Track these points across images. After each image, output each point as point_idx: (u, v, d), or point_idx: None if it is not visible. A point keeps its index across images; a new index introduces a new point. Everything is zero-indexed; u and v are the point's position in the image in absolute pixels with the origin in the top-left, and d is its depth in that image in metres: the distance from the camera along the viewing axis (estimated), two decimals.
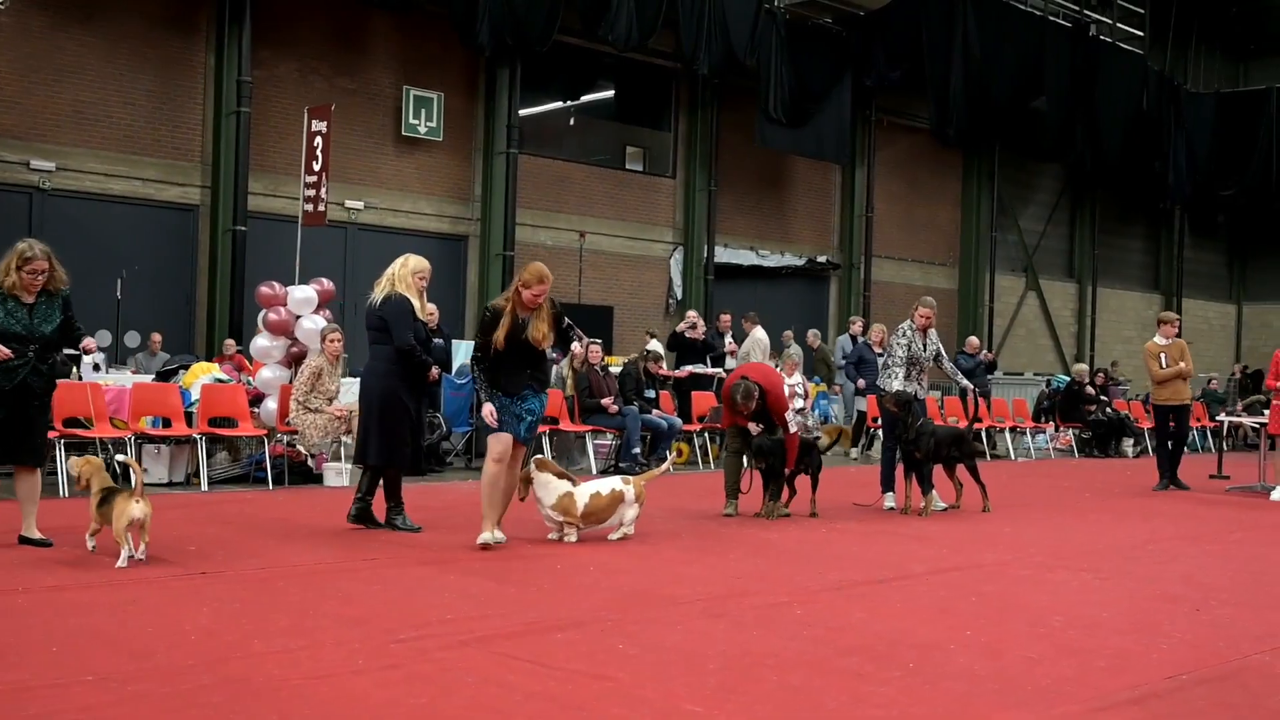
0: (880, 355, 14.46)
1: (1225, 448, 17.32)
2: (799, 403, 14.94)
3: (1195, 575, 7.87)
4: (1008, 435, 18.58)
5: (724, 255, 22.04)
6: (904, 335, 10.78)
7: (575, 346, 8.31)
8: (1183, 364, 13.54)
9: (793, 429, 9.91)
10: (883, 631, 5.81)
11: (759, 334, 16.41)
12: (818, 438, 10.91)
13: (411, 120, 18.40)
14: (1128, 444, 19.68)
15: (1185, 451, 14.83)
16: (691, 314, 17.03)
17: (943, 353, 10.96)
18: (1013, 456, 18.43)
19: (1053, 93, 24.94)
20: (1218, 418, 18.09)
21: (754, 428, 9.93)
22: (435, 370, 9.06)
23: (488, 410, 7.78)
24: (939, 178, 25.80)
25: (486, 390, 7.83)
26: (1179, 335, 13.98)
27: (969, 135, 24.25)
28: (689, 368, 15.81)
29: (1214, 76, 30.93)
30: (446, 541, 8.13)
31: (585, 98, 22.06)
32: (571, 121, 22.26)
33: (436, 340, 11.15)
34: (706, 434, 14.93)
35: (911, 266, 25.32)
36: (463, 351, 13.41)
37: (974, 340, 19.58)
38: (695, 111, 21.70)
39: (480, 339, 7.82)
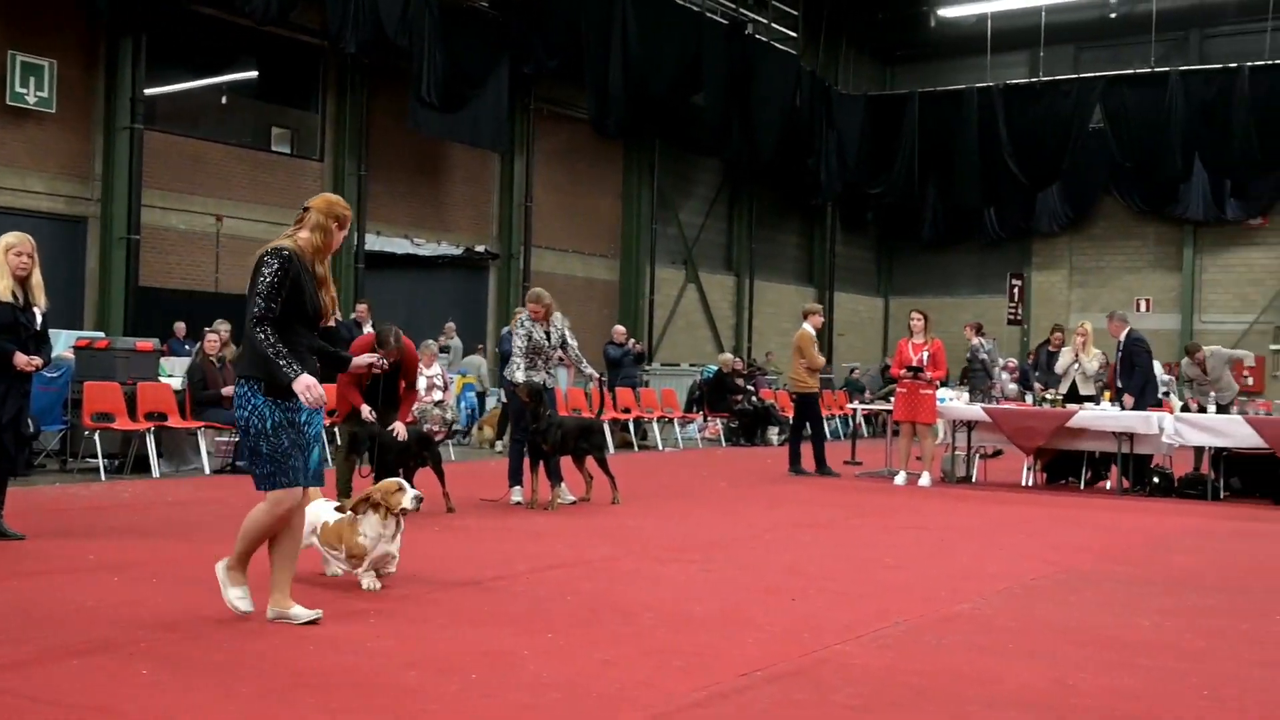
0: None
1: (862, 435, 18.02)
2: (437, 394, 14.49)
3: (802, 564, 7.89)
4: (655, 426, 18.72)
5: (376, 243, 21.28)
6: (522, 326, 10.59)
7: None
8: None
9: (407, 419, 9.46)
10: (456, 640, 5.40)
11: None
12: (431, 429, 10.47)
13: (18, 89, 16.73)
14: (773, 432, 20.25)
15: (827, 439, 15.35)
16: None
17: (569, 340, 10.75)
18: (660, 447, 18.59)
19: (710, 88, 25.45)
20: (850, 405, 18.89)
21: (367, 411, 9.39)
22: (23, 359, 7.63)
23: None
24: (600, 169, 25.88)
25: None
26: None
27: (629, 128, 24.41)
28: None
29: (863, 79, 32.49)
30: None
31: (226, 74, 20.77)
32: (224, 100, 20.92)
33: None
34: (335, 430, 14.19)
35: (573, 258, 25.30)
36: (61, 342, 12.19)
37: (620, 329, 19.64)
38: (344, 92, 20.84)
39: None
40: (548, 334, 10.58)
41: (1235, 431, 12.35)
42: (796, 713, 4.46)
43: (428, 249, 22.40)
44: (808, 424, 14.69)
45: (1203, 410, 12.92)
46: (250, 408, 5.50)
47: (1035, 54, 29.26)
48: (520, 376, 10.37)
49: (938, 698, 4.69)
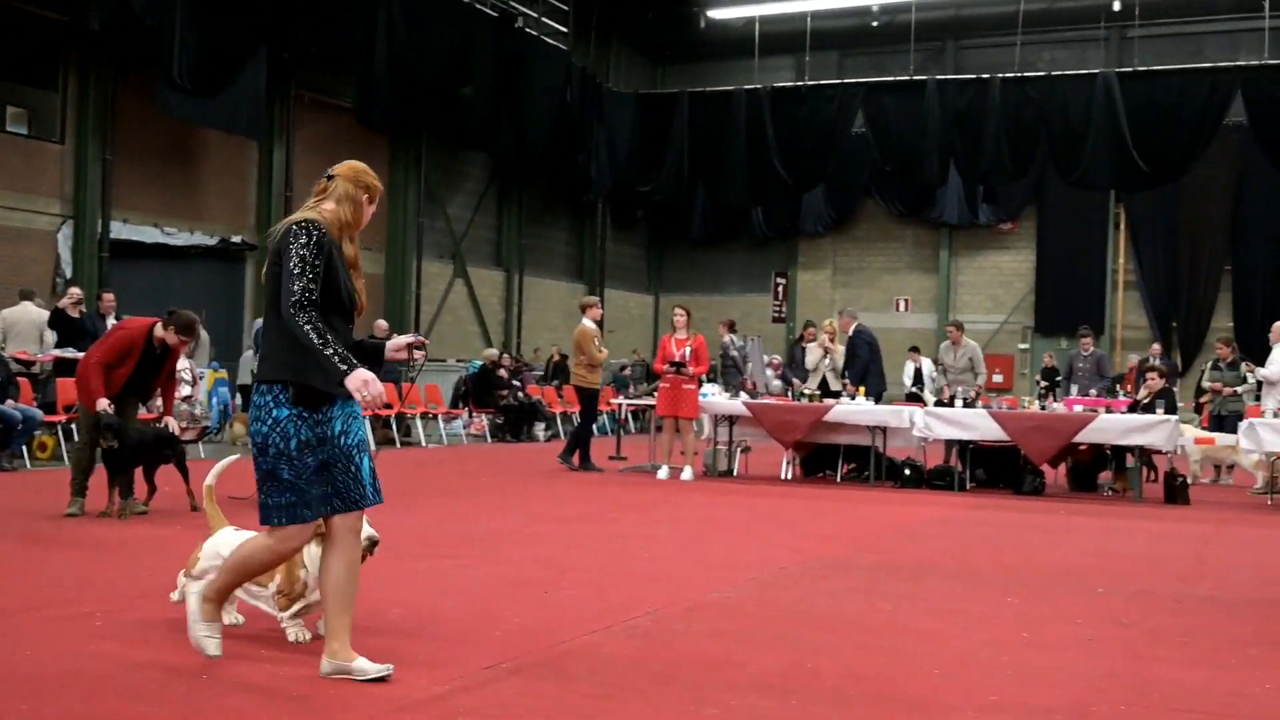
0: None
1: (629, 430, 18.22)
2: (185, 389, 13.94)
3: (558, 558, 7.91)
4: (419, 422, 18.49)
5: (124, 231, 20.30)
6: None
7: None
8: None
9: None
10: (161, 648, 5.17)
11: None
12: (180, 426, 10.04)
13: None
14: (539, 429, 20.26)
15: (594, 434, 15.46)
16: (75, 290, 15.38)
17: None
18: (424, 444, 18.36)
19: (480, 81, 25.27)
20: (614, 401, 19.10)
21: (105, 404, 8.92)
22: None
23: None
24: (365, 160, 24.58)
25: None
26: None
27: (395, 119, 24.01)
28: (57, 352, 14.12)
29: (634, 77, 32.85)
30: None
31: None
32: None
33: None
34: (74, 425, 13.50)
35: None
36: None
37: (382, 324, 19.33)
38: (88, 72, 19.79)
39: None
40: None
41: (980, 425, 13.01)
42: (539, 703, 4.46)
43: (180, 238, 21.51)
44: (584, 419, 14.78)
45: (951, 402, 13.53)
46: (270, 421, 4.55)
47: (801, 59, 30.16)
48: None
49: (680, 684, 4.76)
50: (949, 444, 13.60)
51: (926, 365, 19.70)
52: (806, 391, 14.13)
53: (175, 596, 5.62)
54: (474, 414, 19.84)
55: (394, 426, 17.73)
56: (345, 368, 4.41)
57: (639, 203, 32.39)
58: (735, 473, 14.46)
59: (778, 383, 18.84)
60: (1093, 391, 14.42)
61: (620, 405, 17.49)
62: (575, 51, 29.06)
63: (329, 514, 4.63)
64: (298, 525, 4.63)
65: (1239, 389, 15.21)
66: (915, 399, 16.41)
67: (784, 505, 11.63)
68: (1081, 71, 27.49)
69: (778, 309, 31.85)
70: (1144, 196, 28.50)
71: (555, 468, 14.53)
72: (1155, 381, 13.41)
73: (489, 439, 19.71)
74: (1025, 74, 27.75)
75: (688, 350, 13.61)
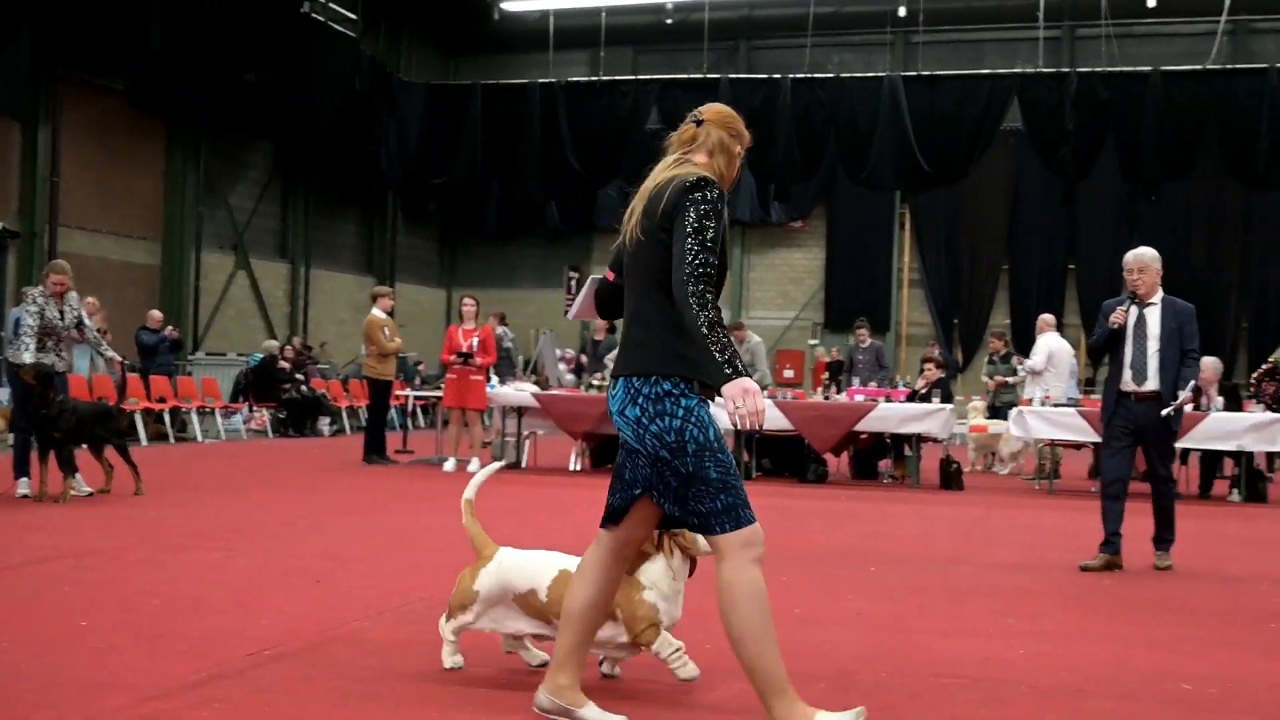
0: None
1: (419, 424, 18.03)
2: None
3: (334, 548, 7.77)
4: (195, 416, 17.88)
5: None
6: (34, 303, 9.82)
7: None
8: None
9: None
10: None
11: None
12: None
13: None
14: (324, 423, 19.86)
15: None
16: None
17: (86, 321, 10.08)
18: (201, 439, 17.77)
19: (264, 67, 24.60)
20: (403, 393, 18.87)
21: None
22: None
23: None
24: (140, 146, 24.36)
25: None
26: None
27: (173, 104, 23.14)
28: None
29: (426, 67, 32.46)
30: None
31: None
32: None
33: None
34: None
35: (107, 239, 23.69)
36: None
37: (156, 314, 18.63)
38: None
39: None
40: (62, 313, 9.87)
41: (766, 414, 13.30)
42: (301, 688, 4.37)
43: None
44: (374, 412, 14.56)
45: None
46: (682, 412, 3.73)
47: (596, 54, 30.34)
48: (27, 358, 9.60)
49: None
50: (736, 434, 13.87)
51: None
52: (596, 383, 14.22)
53: (447, 658, 4.63)
54: (254, 408, 19.29)
55: (167, 421, 17.10)
56: (731, 370, 3.58)
57: (431, 195, 32.04)
58: (524, 464, 14.45)
59: (570, 376, 18.92)
60: (873, 382, 14.92)
61: (409, 398, 17.27)
62: (365, 39, 28.58)
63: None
64: (751, 527, 3.81)
65: (1010, 380, 15.98)
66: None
67: (571, 496, 11.68)
68: (869, 74, 28.44)
69: (570, 303, 32.00)
70: (928, 197, 29.63)
71: (340, 462, 14.28)
72: (932, 373, 13.96)
73: (270, 434, 19.20)
74: (815, 75, 28.54)
75: (475, 341, 13.54)
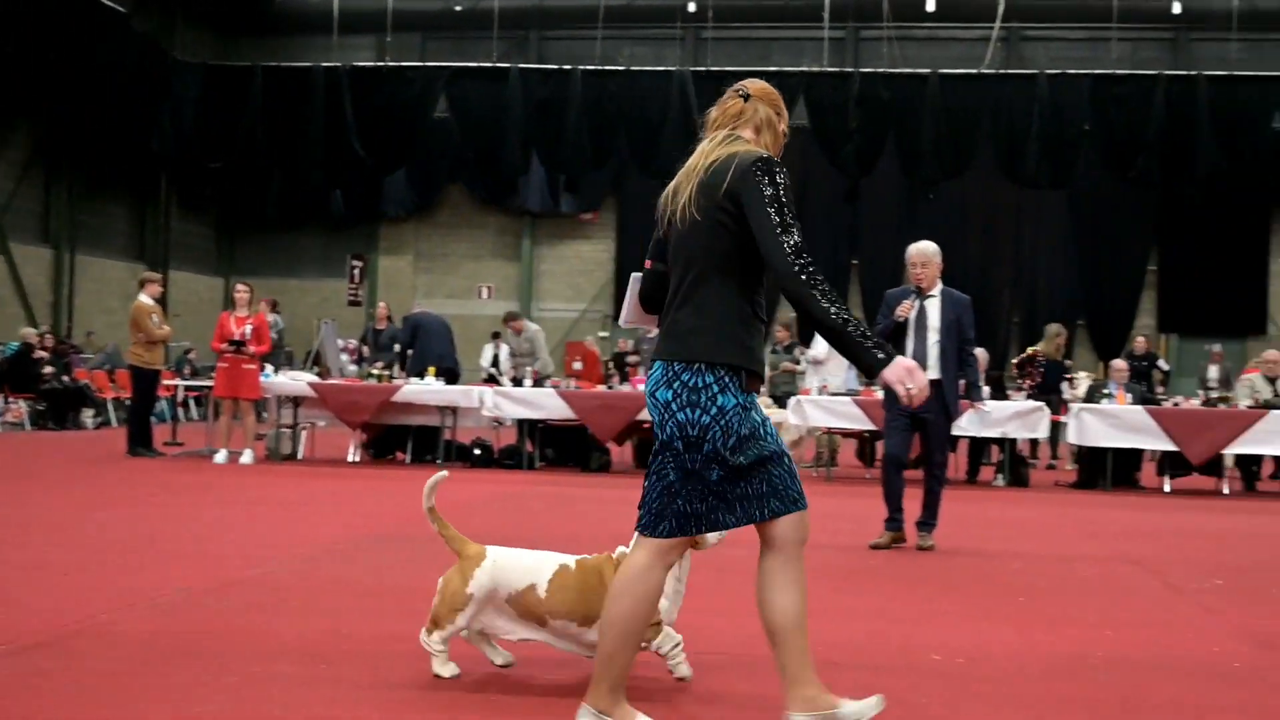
0: None
1: (191, 416, 17.44)
2: None
3: (89, 541, 7.48)
4: None
5: None
6: None
7: None
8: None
9: None
10: None
11: None
12: None
13: None
14: (88, 415, 18.99)
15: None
16: None
17: None
18: None
19: (23, 42, 23.35)
20: (173, 383, 18.27)
21: None
22: None
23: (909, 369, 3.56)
24: None
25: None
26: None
27: None
28: None
29: (203, 48, 31.33)
30: None
31: None
32: None
33: None
34: None
35: None
36: None
37: None
38: None
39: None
40: None
41: (548, 404, 13.34)
42: (39, 682, 4.18)
43: None
44: (140, 401, 14.00)
45: (520, 383, 13.81)
46: (714, 411, 3.57)
47: (382, 39, 29.87)
48: None
49: (202, 656, 4.60)
50: (520, 424, 13.86)
51: (505, 350, 20.00)
52: (375, 372, 13.99)
53: (442, 669, 4.39)
54: (10, 399, 18.30)
55: None
56: (884, 355, 3.47)
57: (209, 180, 31.00)
58: (300, 455, 14.13)
59: (353, 367, 18.55)
60: None
61: (179, 388, 16.68)
62: (136, 17, 27.42)
63: (764, 519, 3.67)
64: (804, 509, 3.71)
65: (798, 368, 16.36)
66: (492, 381, 16.61)
67: (348, 486, 11.47)
68: (659, 68, 28.78)
69: (353, 293, 31.41)
70: None
71: (102, 455, 13.68)
72: None
73: (29, 426, 18.25)
74: (606, 68, 28.73)
75: (249, 329, 13.16)
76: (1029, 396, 14.29)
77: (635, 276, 4.03)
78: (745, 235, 3.54)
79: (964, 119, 27.41)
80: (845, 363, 15.12)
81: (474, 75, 29.13)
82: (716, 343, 3.57)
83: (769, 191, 3.50)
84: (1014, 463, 13.57)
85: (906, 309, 8.05)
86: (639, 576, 3.65)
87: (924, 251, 8.14)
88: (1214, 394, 14.25)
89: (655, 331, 3.91)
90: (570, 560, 4.30)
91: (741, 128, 3.81)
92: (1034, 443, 16.83)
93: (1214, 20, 28.95)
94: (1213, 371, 17.01)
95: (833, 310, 3.45)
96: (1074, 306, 29.84)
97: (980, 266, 30.46)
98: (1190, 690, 4.43)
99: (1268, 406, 13.06)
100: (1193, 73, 27.66)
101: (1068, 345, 18.23)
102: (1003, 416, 13.13)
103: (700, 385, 3.55)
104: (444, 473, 4.80)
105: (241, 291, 13.50)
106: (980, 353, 14.58)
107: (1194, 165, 27.27)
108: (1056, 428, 15.01)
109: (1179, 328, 29.78)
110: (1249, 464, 13.93)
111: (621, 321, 4.30)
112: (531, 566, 4.29)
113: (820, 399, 13.54)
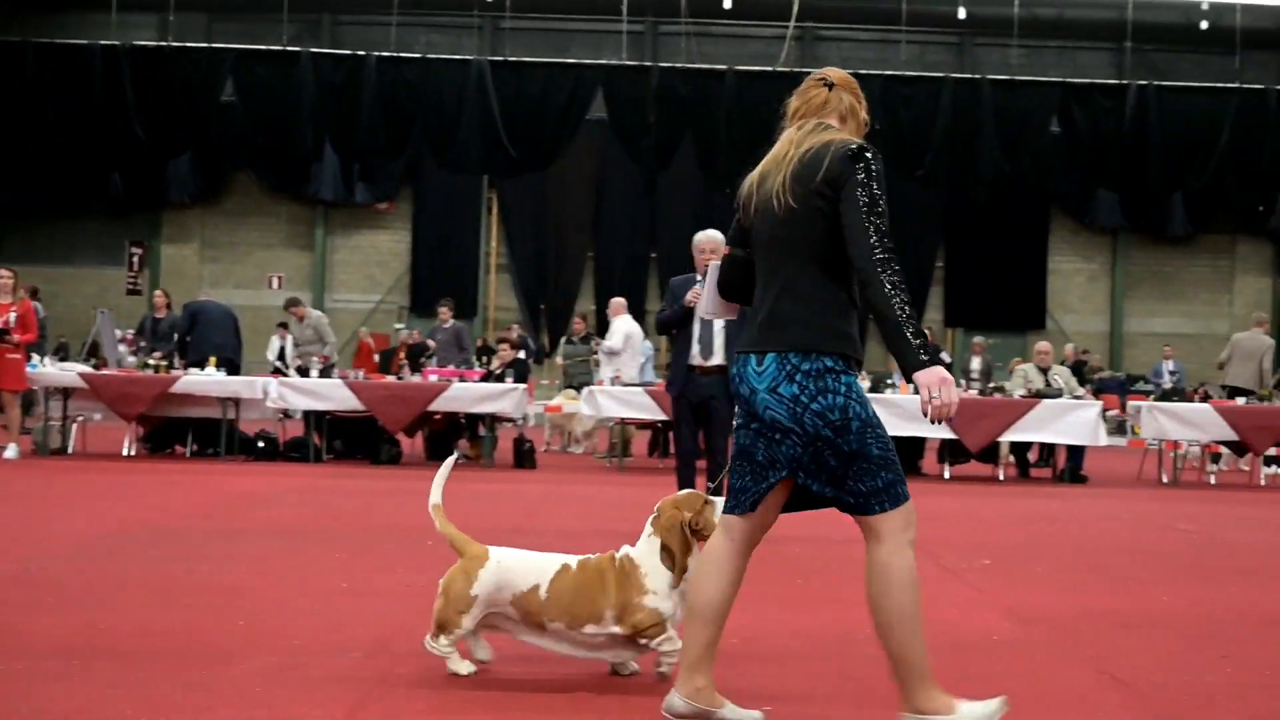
0: None
1: None
2: None
3: None
4: None
5: None
6: None
7: None
8: None
9: None
10: None
11: None
12: None
13: None
14: None
15: None
16: None
17: None
18: None
19: None
20: None
21: None
22: None
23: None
24: None
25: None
26: None
27: None
28: None
29: None
30: None
31: None
32: None
33: None
34: None
35: None
36: None
37: None
38: None
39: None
40: None
41: (335, 394, 13.10)
42: None
43: None
44: None
45: (305, 373, 13.52)
46: (844, 389, 3.54)
47: (166, 18, 28.80)
48: None
49: None
50: (307, 415, 13.57)
51: (290, 340, 19.62)
52: (152, 363, 13.50)
53: (459, 667, 4.28)
54: None
55: None
56: (926, 356, 3.46)
57: None
58: (71, 450, 13.53)
59: (131, 358, 17.89)
60: (451, 363, 14.96)
61: None
62: None
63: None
64: (910, 501, 3.60)
65: (596, 358, 16.44)
66: (280, 373, 16.24)
67: (122, 481, 11.07)
68: (456, 57, 28.54)
69: (133, 281, 30.23)
70: (515, 183, 30.09)
71: None
72: (507, 353, 14.17)
73: None
74: (401, 55, 28.35)
75: (12, 316, 12.52)
76: None
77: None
78: (840, 222, 3.55)
79: (760, 116, 27.93)
80: (640, 355, 15.28)
81: (263, 59, 28.39)
82: (825, 332, 3.58)
83: (862, 177, 3.52)
84: None
85: (695, 295, 8.16)
86: (884, 570, 3.58)
87: (712, 238, 8.27)
88: (975, 383, 14.95)
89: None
90: (573, 560, 4.26)
91: (827, 116, 3.78)
92: None
93: (997, 26, 30.25)
94: (975, 363, 17.83)
95: (896, 301, 3.44)
96: None
97: None
98: (951, 662, 4.60)
99: (1039, 395, 13.71)
100: (977, 76, 28.84)
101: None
102: None
103: (823, 370, 3.55)
104: (452, 459, 4.84)
105: (5, 278, 12.83)
106: None
107: (978, 166, 28.49)
108: None
109: (964, 322, 31.00)
110: (1023, 451, 14.61)
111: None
112: (537, 566, 4.24)
113: (613, 389, 13.63)
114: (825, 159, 3.56)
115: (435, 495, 4.47)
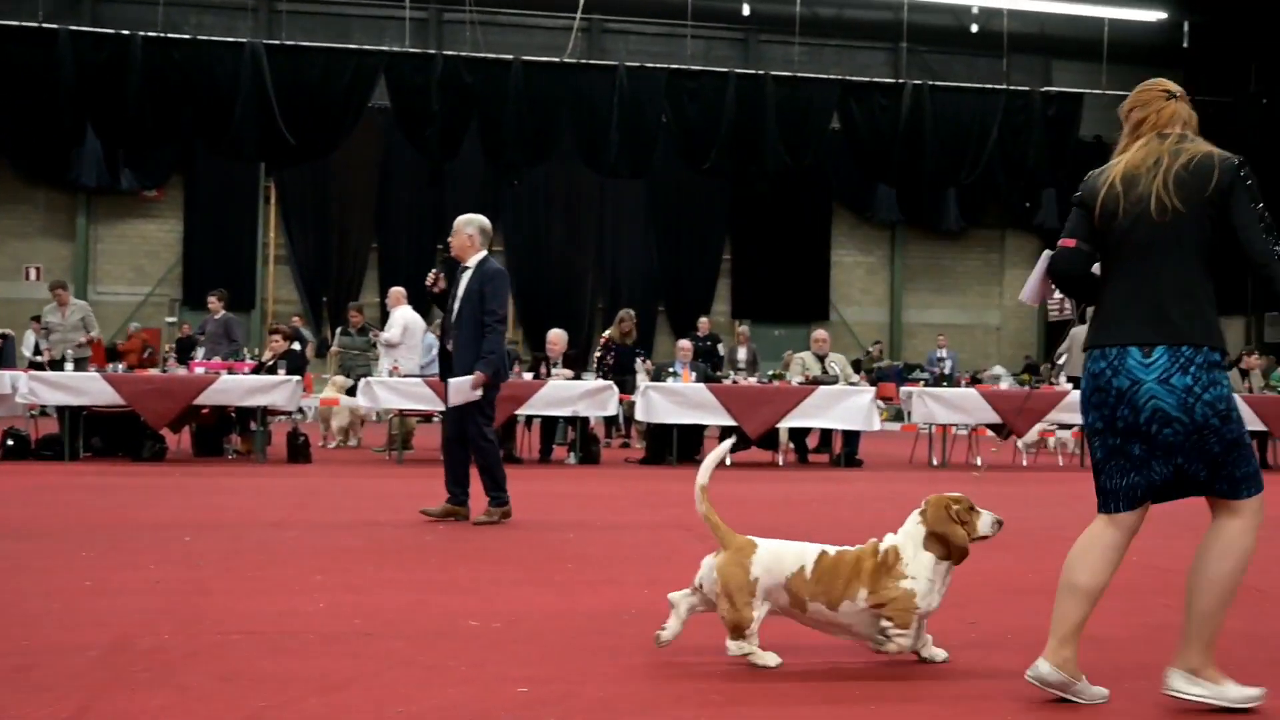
0: None
1: None
2: None
3: None
4: None
5: None
6: None
7: None
8: None
9: None
10: None
11: None
12: None
13: None
14: None
15: None
16: None
17: None
18: None
19: None
20: None
21: None
22: None
23: None
24: None
25: None
26: None
27: None
28: None
29: None
30: None
31: None
32: None
33: None
34: None
35: None
36: None
37: None
38: None
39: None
40: None
41: (92, 389, 12.52)
42: None
43: None
44: None
45: (61, 365, 12.89)
46: (1226, 382, 3.95)
47: None
48: None
49: None
50: (61, 411, 12.92)
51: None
52: None
53: (766, 660, 4.34)
54: None
55: None
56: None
57: None
58: None
59: None
60: (218, 356, 14.47)
61: None
62: None
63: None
64: (1262, 495, 3.98)
65: (379, 349, 16.11)
66: (37, 367, 15.47)
67: None
68: (229, 39, 27.62)
69: None
70: (294, 171, 29.31)
71: None
72: (279, 344, 13.79)
73: None
74: (170, 35, 27.27)
75: None
76: (603, 377, 14.72)
77: (1046, 254, 4.19)
78: (1221, 226, 3.90)
79: (546, 107, 27.93)
80: (420, 346, 15.07)
81: (16, 36, 26.91)
82: (1210, 327, 3.92)
83: (1250, 184, 3.90)
84: (585, 441, 13.93)
85: (430, 279, 8.36)
86: (1231, 544, 3.91)
87: (455, 223, 8.41)
88: (742, 372, 15.31)
89: (1064, 311, 4.20)
90: (829, 548, 4.46)
91: (1175, 126, 4.08)
92: (610, 422, 17.42)
93: (779, 24, 30.95)
94: (741, 353, 18.26)
95: None
96: (654, 292, 31.17)
97: (564, 252, 31.25)
98: (709, 637, 4.66)
99: (816, 383, 14.06)
100: (760, 72, 29.40)
101: (638, 328, 18.88)
102: (573, 395, 13.46)
103: (1213, 363, 3.89)
104: (727, 444, 5.17)
105: None
106: (559, 333, 14.95)
107: (763, 160, 29.02)
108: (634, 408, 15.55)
109: (751, 313, 31.64)
110: (801, 437, 14.97)
111: (1025, 298, 4.42)
112: (798, 551, 4.44)
113: (390, 380, 13.41)
114: (1213, 170, 3.91)
115: (703, 477, 4.60)
